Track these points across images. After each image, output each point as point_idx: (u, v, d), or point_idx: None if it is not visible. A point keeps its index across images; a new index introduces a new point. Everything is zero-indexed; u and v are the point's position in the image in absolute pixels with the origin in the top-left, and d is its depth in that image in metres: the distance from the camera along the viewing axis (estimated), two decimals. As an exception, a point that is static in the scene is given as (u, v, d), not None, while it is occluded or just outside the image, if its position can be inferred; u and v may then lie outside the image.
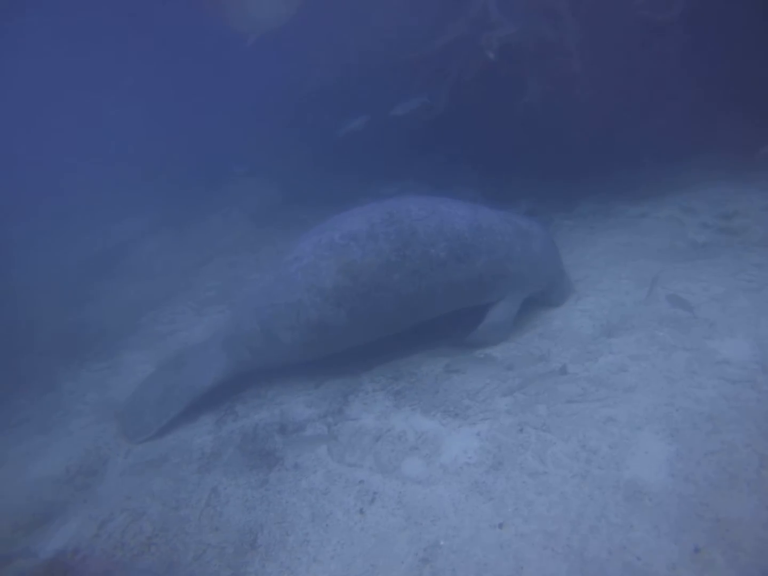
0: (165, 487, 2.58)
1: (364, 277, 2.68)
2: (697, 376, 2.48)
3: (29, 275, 5.76)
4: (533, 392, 2.65)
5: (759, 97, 3.35)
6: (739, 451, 2.05)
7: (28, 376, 3.86)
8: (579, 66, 3.52)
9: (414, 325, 3.04)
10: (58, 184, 7.57)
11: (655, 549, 1.79)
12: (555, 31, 3.51)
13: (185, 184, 7.08)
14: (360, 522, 2.17)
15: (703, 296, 3.01)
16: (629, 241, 3.80)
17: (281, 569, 2.06)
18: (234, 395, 3.21)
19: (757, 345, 2.53)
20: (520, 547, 1.92)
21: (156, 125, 7.36)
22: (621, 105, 3.70)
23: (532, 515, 2.02)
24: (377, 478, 2.38)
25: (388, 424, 2.69)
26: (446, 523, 2.08)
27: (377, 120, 4.31)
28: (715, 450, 2.09)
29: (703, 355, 2.59)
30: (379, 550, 2.03)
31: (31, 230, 6.87)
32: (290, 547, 2.14)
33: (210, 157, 7.15)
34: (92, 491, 2.67)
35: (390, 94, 4.43)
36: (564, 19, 3.48)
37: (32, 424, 3.35)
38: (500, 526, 2.01)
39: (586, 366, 2.75)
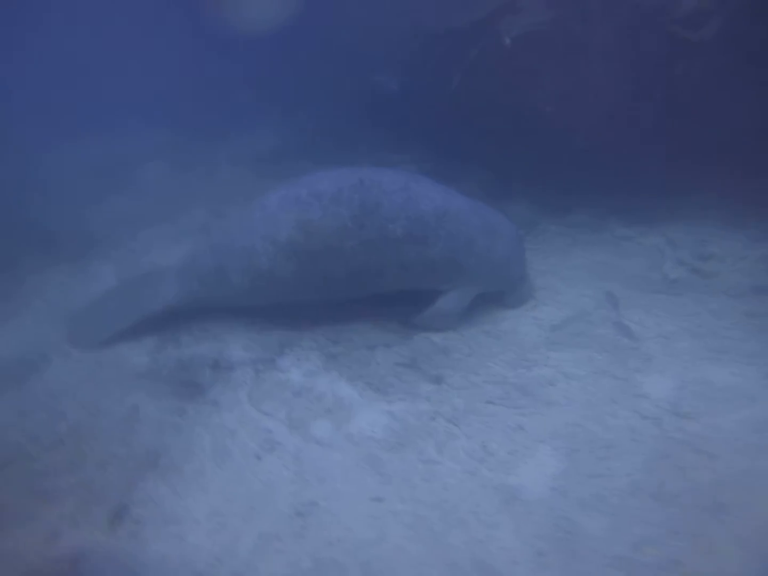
0: (91, 396, 2.71)
1: (317, 238, 2.70)
2: (615, 405, 2.52)
3: (45, 174, 5.90)
4: (458, 385, 2.70)
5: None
6: (618, 478, 2.11)
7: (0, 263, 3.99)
8: (599, 72, 3.38)
9: (368, 294, 3.08)
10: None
11: (506, 547, 1.88)
12: (584, 30, 3.35)
13: (202, 129, 7.19)
14: (254, 466, 2.28)
15: (653, 331, 3.01)
16: (606, 260, 3.75)
17: (171, 491, 2.19)
18: (184, 324, 3.30)
19: (678, 387, 2.55)
20: (388, 521, 2.02)
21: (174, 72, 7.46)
22: (633, 123, 3.57)
23: (410, 497, 2.11)
24: (284, 430, 2.48)
25: (312, 382, 2.77)
26: (331, 487, 2.19)
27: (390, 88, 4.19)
28: (598, 474, 2.15)
29: (628, 386, 2.62)
30: (262, 496, 2.15)
31: (62, 139, 7.00)
32: (185, 474, 2.26)
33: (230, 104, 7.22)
34: (25, 384, 2.81)
35: (407, 63, 4.30)
36: (595, 20, 3.31)
37: (-11, 308, 3.49)
38: (378, 500, 2.11)
39: (518, 372, 2.79)
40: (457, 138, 4.54)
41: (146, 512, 2.09)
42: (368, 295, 3.11)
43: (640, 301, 3.27)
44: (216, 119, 7.16)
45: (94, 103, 7.60)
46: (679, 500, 2.01)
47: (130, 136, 7.36)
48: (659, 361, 2.77)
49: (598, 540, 1.90)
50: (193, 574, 1.87)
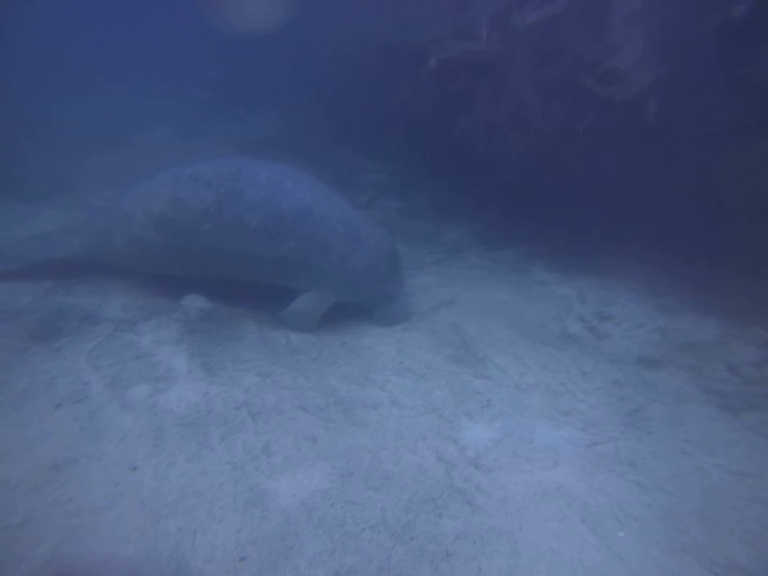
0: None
1: (182, 216, 2.80)
2: (421, 442, 2.42)
3: (48, 125, 6.38)
4: (282, 384, 2.70)
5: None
6: (371, 510, 2.04)
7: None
8: (528, 109, 3.27)
9: (230, 278, 3.12)
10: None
11: (214, 543, 1.86)
12: (521, 68, 3.26)
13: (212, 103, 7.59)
14: (47, 414, 2.36)
15: (513, 380, 2.88)
16: (510, 300, 3.61)
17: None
18: (88, 276, 3.48)
19: (495, 439, 2.42)
20: (126, 491, 2.04)
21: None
22: (562, 163, 3.43)
23: (163, 474, 2.13)
24: (100, 386, 2.56)
25: (157, 350, 2.86)
26: (105, 447, 2.23)
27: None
28: (357, 502, 2.08)
29: (447, 428, 2.51)
30: (30, 442, 2.20)
31: (77, 93, 7.55)
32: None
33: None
34: None
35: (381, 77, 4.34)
36: (532, 60, 3.21)
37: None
38: (134, 469, 2.15)
39: (350, 388, 2.75)
40: (415, 151, 4.52)
41: None
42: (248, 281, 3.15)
43: (517, 347, 3.14)
44: (227, 97, 7.54)
45: (116, 60, 8.11)
46: (413, 542, 1.93)
47: (145, 98, 7.81)
48: (496, 410, 2.65)
49: (308, 562, 1.85)
50: None
